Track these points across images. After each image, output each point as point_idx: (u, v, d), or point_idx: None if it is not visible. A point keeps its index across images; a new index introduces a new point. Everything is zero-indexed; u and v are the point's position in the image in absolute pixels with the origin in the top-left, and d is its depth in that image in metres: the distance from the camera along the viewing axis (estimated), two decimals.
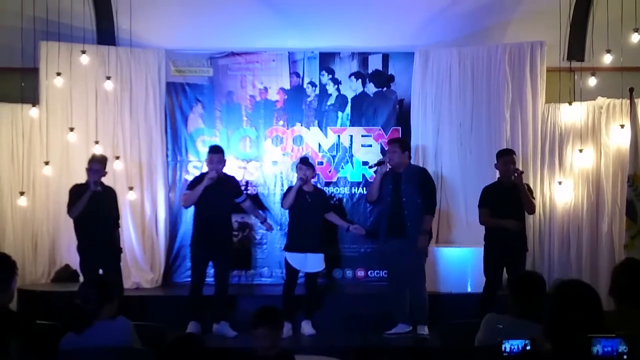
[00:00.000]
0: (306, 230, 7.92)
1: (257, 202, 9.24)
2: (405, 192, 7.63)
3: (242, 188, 8.38)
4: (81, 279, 8.23)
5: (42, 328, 4.74)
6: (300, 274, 8.01)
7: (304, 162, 8.05)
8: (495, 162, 7.78)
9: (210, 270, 8.02)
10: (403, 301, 7.71)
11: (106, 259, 7.67)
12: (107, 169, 7.79)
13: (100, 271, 7.61)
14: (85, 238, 7.66)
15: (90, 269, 7.60)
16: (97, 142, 8.60)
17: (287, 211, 8.21)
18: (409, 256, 7.63)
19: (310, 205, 7.95)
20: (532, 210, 7.86)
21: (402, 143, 7.87)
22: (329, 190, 9.21)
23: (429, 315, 7.66)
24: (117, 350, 4.38)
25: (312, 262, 7.94)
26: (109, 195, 7.88)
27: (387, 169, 7.68)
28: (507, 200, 7.54)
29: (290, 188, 8.13)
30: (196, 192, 7.75)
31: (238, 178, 8.99)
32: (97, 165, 7.63)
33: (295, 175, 8.32)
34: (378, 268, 9.31)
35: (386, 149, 7.88)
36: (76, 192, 7.61)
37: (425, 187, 7.75)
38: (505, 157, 7.68)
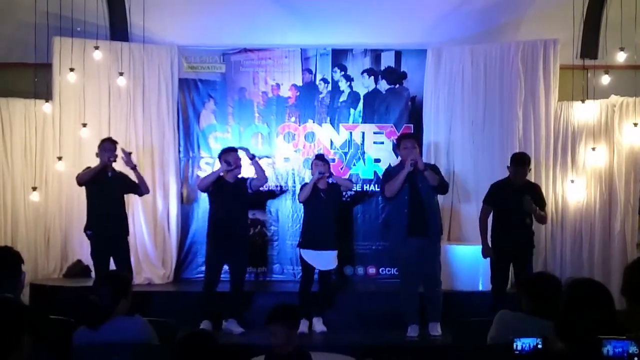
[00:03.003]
0: (320, 227, 7.94)
1: (268, 200, 9.37)
2: (424, 191, 7.59)
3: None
4: (93, 274, 8.30)
5: (55, 323, 4.75)
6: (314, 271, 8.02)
7: (320, 159, 8.10)
8: (508, 165, 7.70)
9: (224, 268, 8.05)
10: (415, 301, 7.69)
11: (117, 243, 7.85)
12: (117, 153, 7.94)
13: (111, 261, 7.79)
14: (96, 221, 7.79)
15: (100, 255, 7.77)
16: None
17: (301, 208, 8.29)
18: (430, 254, 7.63)
19: (324, 202, 7.97)
20: (543, 223, 7.99)
21: (417, 139, 7.87)
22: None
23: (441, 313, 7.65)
24: (132, 345, 4.39)
25: (325, 260, 7.96)
26: (121, 180, 8.01)
27: (412, 165, 7.47)
28: (514, 199, 7.43)
29: (306, 183, 8.17)
30: (212, 175, 7.95)
31: (249, 175, 9.03)
32: (109, 145, 7.83)
33: (308, 171, 8.34)
34: (389, 265, 9.31)
35: (406, 144, 7.63)
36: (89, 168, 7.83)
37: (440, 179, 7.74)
38: (518, 168, 7.58)
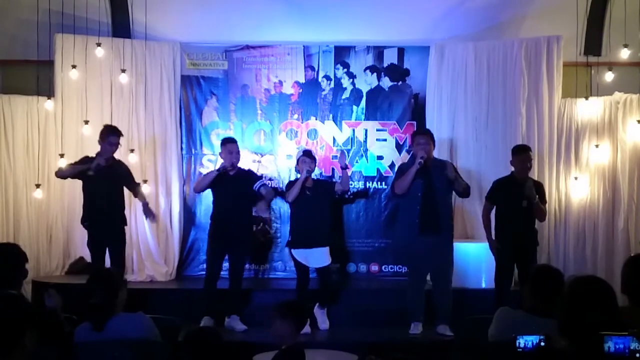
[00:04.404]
0: (309, 225, 7.81)
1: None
2: (439, 188, 7.47)
3: (261, 177, 8.42)
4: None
5: (57, 320, 4.75)
6: (312, 268, 7.94)
7: (308, 155, 7.95)
8: (511, 159, 7.69)
9: (225, 264, 8.03)
10: (421, 299, 7.61)
11: (114, 233, 7.83)
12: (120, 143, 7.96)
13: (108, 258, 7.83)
14: (93, 211, 7.77)
15: (97, 245, 7.77)
16: None
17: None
18: (441, 253, 7.53)
19: (311, 200, 7.83)
20: (542, 219, 7.86)
21: (431, 135, 7.67)
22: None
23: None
24: (134, 342, 4.38)
25: (317, 257, 7.83)
26: (119, 169, 7.97)
27: (422, 163, 7.37)
28: (519, 195, 7.43)
29: (292, 181, 8.10)
30: (208, 177, 7.88)
31: (257, 170, 9.08)
32: (116, 138, 7.77)
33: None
34: (392, 263, 9.31)
35: (419, 140, 7.52)
36: (84, 161, 7.77)
37: (455, 177, 7.58)
38: (523, 155, 7.56)
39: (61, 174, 7.84)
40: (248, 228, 8.23)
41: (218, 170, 7.82)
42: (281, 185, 9.30)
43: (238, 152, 7.90)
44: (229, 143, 7.91)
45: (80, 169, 7.65)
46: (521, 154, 7.58)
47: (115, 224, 7.86)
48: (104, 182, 7.67)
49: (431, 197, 7.45)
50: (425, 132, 7.85)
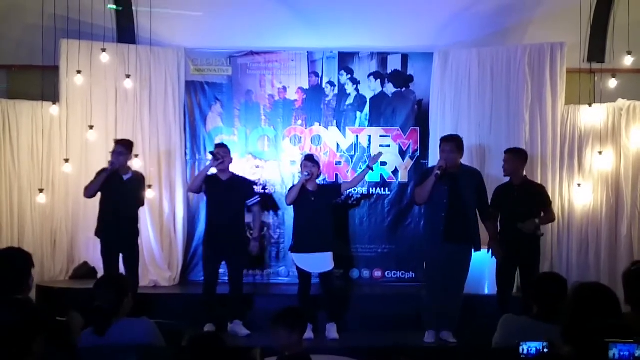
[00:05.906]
0: (312, 230, 7.80)
1: (271, 202, 9.35)
2: (466, 197, 7.38)
3: (256, 192, 8.43)
4: (99, 275, 8.30)
5: (62, 324, 4.76)
6: (315, 274, 7.92)
7: (310, 159, 7.97)
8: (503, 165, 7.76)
9: (224, 270, 8.03)
10: (437, 307, 7.49)
11: (127, 244, 7.82)
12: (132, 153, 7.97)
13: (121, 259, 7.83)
14: (108, 221, 7.77)
15: (110, 255, 7.76)
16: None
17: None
18: (462, 261, 7.48)
19: (314, 205, 7.83)
20: (552, 221, 8.02)
21: (458, 142, 7.47)
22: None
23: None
24: (138, 347, 4.39)
25: (319, 262, 7.81)
26: (137, 181, 7.97)
27: (439, 174, 7.23)
28: (519, 200, 7.48)
29: (294, 185, 8.07)
30: (200, 174, 7.95)
31: (256, 177, 9.08)
32: (120, 147, 7.76)
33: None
34: (396, 269, 9.32)
35: (443, 148, 7.44)
36: (100, 173, 7.76)
37: (482, 190, 7.59)
38: (504, 156, 7.72)
39: (89, 192, 7.77)
40: (242, 233, 8.20)
41: (209, 166, 7.89)
42: (284, 192, 9.30)
43: (227, 153, 7.96)
44: (216, 147, 8.01)
45: (105, 177, 7.66)
46: (506, 154, 7.75)
47: (128, 236, 7.85)
48: (120, 196, 7.71)
49: (457, 205, 7.36)
50: (450, 138, 7.61)
